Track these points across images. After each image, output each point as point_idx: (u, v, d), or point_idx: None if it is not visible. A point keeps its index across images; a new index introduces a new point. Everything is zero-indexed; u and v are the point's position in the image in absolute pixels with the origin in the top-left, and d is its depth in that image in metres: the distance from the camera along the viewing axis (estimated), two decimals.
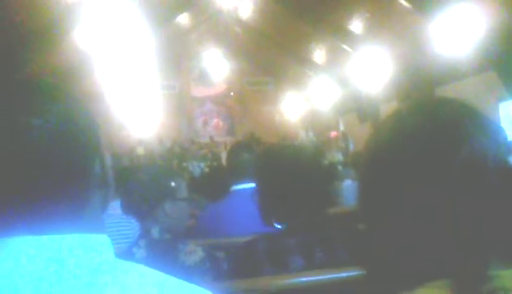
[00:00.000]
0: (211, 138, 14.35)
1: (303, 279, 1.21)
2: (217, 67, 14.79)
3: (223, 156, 10.44)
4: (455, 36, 6.69)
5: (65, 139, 0.59)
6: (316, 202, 1.33)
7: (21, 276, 0.54)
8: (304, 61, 12.13)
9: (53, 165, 0.58)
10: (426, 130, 0.60)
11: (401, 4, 7.13)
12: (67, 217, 0.59)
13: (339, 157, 9.42)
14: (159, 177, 1.56)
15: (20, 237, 0.56)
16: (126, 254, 1.42)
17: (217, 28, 13.62)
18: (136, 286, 0.58)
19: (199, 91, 15.28)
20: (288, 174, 1.34)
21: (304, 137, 13.69)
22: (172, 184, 1.55)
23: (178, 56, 14.24)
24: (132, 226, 2.26)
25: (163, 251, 1.44)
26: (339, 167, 5.37)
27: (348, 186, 4.08)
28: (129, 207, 1.52)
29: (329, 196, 1.40)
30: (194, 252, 1.45)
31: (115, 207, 2.05)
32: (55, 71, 7.63)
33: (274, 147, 1.50)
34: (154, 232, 1.49)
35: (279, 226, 1.32)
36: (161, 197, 1.53)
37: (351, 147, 11.49)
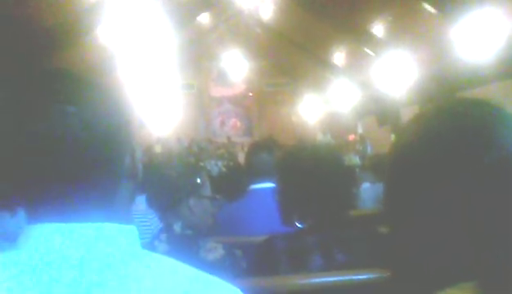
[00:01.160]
0: (228, 138, 14.33)
1: (322, 279, 1.22)
2: (237, 67, 14.78)
3: (240, 156, 10.44)
4: (479, 41, 6.57)
5: (97, 128, 0.60)
6: (337, 202, 1.34)
7: (51, 262, 0.55)
8: (324, 64, 12.05)
9: (85, 153, 0.58)
10: (453, 131, 0.60)
11: (424, 8, 7.04)
12: (97, 206, 0.60)
13: (356, 160, 9.34)
14: (186, 174, 1.59)
15: (51, 224, 0.57)
16: (147, 247, 1.44)
17: (237, 28, 13.63)
18: (164, 276, 0.59)
19: (217, 91, 15.29)
20: (310, 175, 1.35)
21: (322, 139, 13.60)
22: (198, 180, 1.58)
23: (198, 56, 14.29)
24: (151, 222, 2.28)
25: (183, 246, 1.46)
26: (357, 170, 5.32)
27: (366, 189, 4.03)
28: (155, 201, 1.55)
29: (351, 197, 1.40)
30: (214, 249, 1.47)
31: (137, 202, 2.08)
32: (78, 67, 7.74)
33: (296, 148, 1.51)
34: (176, 227, 1.51)
35: (300, 225, 1.33)
36: (187, 193, 1.56)
37: (368, 150, 11.38)
